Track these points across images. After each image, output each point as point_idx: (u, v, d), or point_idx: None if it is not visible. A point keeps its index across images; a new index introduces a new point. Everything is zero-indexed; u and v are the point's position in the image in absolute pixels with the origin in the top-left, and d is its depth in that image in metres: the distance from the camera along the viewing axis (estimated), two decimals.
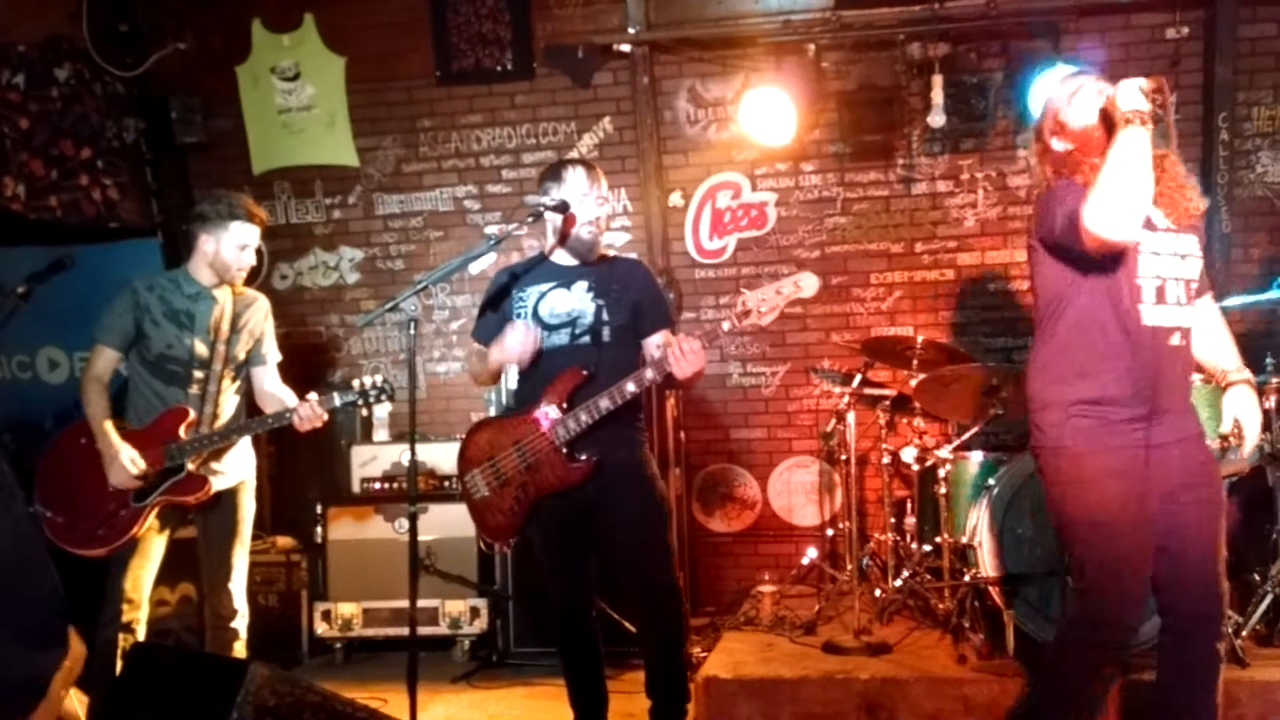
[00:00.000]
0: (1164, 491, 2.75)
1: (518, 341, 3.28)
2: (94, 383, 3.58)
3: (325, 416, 3.62)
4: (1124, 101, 2.61)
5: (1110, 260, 2.70)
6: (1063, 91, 2.87)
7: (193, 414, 3.60)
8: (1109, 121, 2.66)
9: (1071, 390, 2.77)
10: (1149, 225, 2.74)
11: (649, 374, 3.18)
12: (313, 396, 3.63)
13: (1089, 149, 2.73)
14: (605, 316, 3.35)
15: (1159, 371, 2.73)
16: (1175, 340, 2.77)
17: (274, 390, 3.81)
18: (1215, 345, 2.95)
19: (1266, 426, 3.89)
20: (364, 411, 5.38)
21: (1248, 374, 2.91)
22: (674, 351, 3.10)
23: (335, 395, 3.67)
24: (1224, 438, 2.88)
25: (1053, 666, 2.91)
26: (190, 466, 3.57)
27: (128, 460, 3.48)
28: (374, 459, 5.24)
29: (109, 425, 3.53)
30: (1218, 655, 2.74)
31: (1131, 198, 2.55)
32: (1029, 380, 2.90)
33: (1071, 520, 2.81)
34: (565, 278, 3.41)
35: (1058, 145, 2.86)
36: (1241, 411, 2.83)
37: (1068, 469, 2.78)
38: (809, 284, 3.09)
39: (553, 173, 3.43)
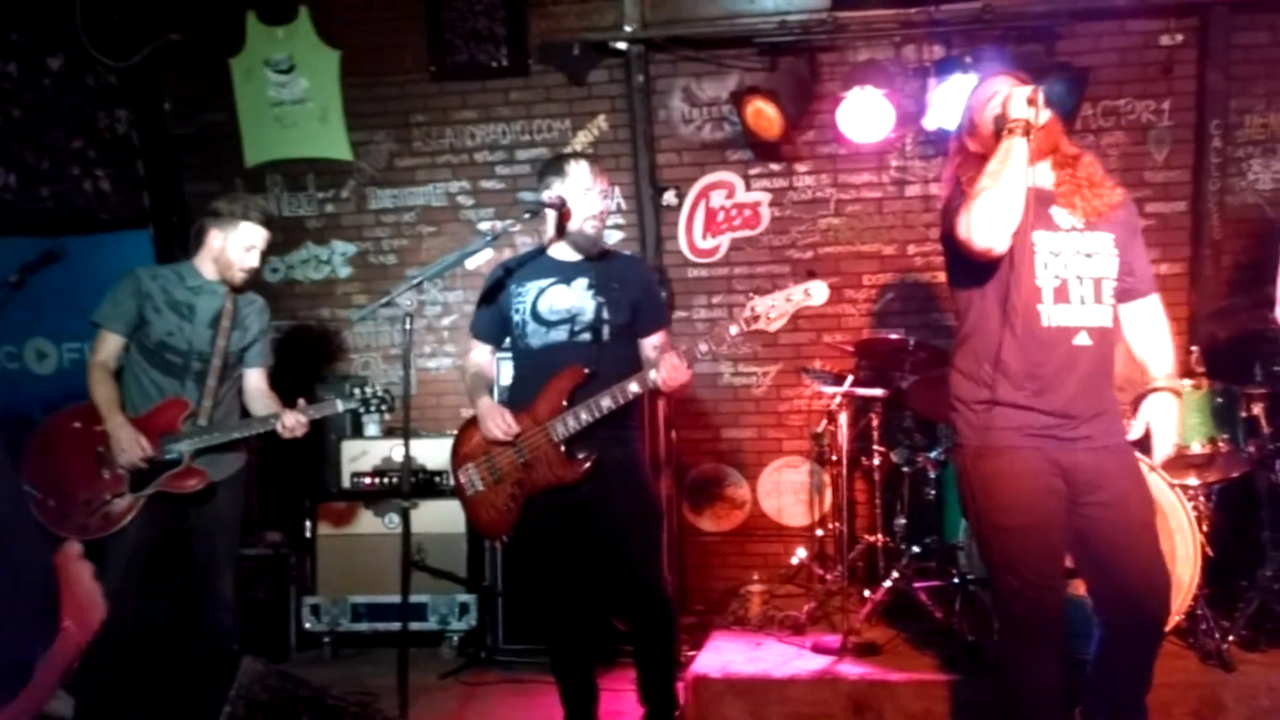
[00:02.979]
0: (1072, 496, 2.66)
1: (494, 430, 3.30)
2: (99, 368, 3.58)
3: (308, 426, 3.64)
4: (1013, 109, 2.59)
5: (1005, 264, 2.64)
6: (981, 94, 2.81)
7: (191, 405, 3.60)
8: (999, 129, 2.63)
9: (975, 390, 2.73)
10: (1050, 226, 2.69)
11: (633, 386, 3.18)
12: (301, 403, 3.64)
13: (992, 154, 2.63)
14: (606, 315, 3.33)
15: (1062, 372, 2.65)
16: (1081, 340, 2.67)
17: (259, 395, 3.82)
18: (1149, 346, 2.83)
19: (1253, 434, 3.92)
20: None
21: (1176, 382, 2.80)
22: (662, 372, 3.12)
23: (338, 402, 3.70)
24: (1136, 443, 2.75)
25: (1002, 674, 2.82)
26: (186, 459, 3.56)
27: (135, 442, 3.48)
28: (364, 454, 5.24)
29: (117, 408, 3.53)
30: (1151, 652, 2.67)
31: (999, 207, 2.53)
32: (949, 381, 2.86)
33: (976, 519, 2.76)
34: (565, 273, 3.38)
35: (971, 147, 2.81)
36: (1154, 418, 2.73)
37: (971, 467, 2.73)
38: (819, 292, 3.07)
39: (554, 166, 3.40)
